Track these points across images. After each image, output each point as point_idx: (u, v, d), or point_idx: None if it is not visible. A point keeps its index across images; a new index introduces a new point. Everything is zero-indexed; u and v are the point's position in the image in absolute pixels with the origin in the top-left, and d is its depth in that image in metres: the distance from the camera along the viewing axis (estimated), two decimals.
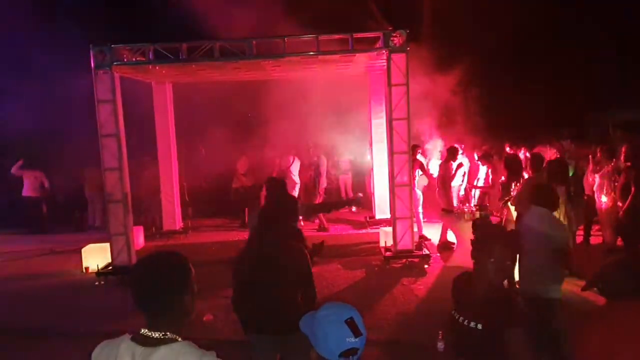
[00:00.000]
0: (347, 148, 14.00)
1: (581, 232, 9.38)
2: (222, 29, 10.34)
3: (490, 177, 11.02)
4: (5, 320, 7.39)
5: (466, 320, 2.82)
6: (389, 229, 9.41)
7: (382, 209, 11.97)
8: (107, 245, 9.10)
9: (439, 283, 8.01)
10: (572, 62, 16.13)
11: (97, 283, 8.78)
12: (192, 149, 14.41)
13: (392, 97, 8.85)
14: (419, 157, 10.86)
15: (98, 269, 8.99)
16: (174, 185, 12.26)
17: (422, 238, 10.19)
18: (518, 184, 7.98)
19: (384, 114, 11.31)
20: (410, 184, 9.16)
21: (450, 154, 10.62)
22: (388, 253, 9.24)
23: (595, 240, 9.65)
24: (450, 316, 2.95)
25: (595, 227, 9.80)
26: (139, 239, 10.63)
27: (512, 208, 8.09)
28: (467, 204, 11.06)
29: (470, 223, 3.33)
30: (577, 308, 6.78)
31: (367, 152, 13.23)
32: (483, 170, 11.36)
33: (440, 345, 5.33)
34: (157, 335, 1.96)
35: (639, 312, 2.79)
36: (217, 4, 11.07)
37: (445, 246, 10.02)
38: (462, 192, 11.61)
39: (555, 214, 7.87)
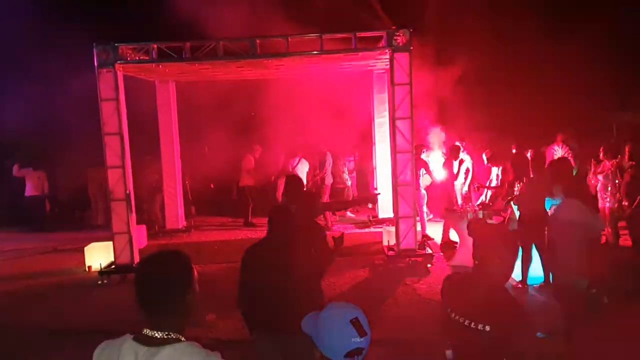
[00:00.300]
0: (351, 147, 13.97)
1: None
2: (225, 28, 10.33)
3: (500, 177, 10.99)
4: (7, 318, 7.40)
5: (467, 321, 2.80)
6: (392, 228, 9.40)
7: (385, 209, 11.96)
8: (110, 243, 9.10)
9: (442, 283, 7.99)
10: (577, 62, 16.07)
11: (99, 282, 8.79)
12: (195, 148, 14.41)
13: (395, 96, 8.84)
14: (423, 156, 10.85)
15: (101, 268, 9.00)
16: (177, 183, 12.27)
17: (425, 237, 10.18)
18: (521, 184, 7.97)
19: (386, 113, 11.30)
20: (414, 184, 9.15)
21: (451, 153, 10.61)
22: (391, 252, 9.23)
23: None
24: (446, 315, 2.92)
25: None
26: (142, 237, 10.64)
27: (515, 208, 8.10)
28: (470, 203, 11.05)
29: None
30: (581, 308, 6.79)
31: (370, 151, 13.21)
32: (494, 171, 11.31)
33: (449, 353, 5.31)
34: (160, 335, 1.95)
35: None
36: (220, 3, 11.07)
37: (447, 245, 10.00)
38: (465, 190, 11.58)
39: None
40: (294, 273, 3.91)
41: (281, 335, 3.92)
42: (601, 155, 9.16)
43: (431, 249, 9.26)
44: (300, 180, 6.26)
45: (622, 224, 9.19)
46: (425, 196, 10.81)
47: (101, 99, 8.81)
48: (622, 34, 15.88)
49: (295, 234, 4.14)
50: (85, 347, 2.24)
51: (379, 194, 12.11)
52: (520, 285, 7.48)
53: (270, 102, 12.63)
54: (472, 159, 11.66)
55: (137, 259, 8.94)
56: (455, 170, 10.91)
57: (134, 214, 9.26)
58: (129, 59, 9.06)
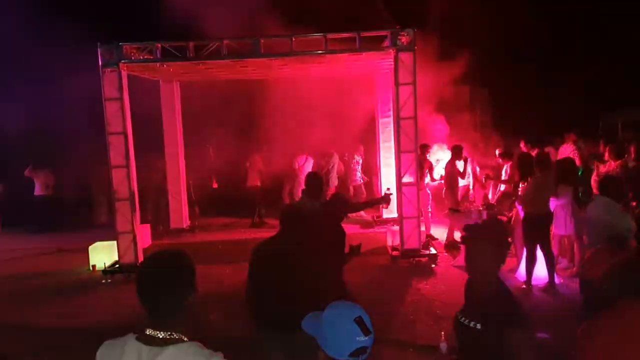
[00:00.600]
0: (356, 147, 13.93)
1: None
2: (229, 28, 10.34)
3: (509, 172, 10.94)
4: (11, 318, 7.42)
5: (467, 320, 2.81)
6: (396, 228, 9.38)
7: (389, 209, 11.93)
8: (114, 243, 9.12)
9: (446, 283, 7.98)
10: (582, 62, 16.05)
11: (103, 281, 8.80)
12: (199, 148, 14.42)
13: (400, 96, 8.82)
14: (430, 156, 10.84)
15: (105, 267, 9.01)
16: (181, 183, 12.28)
17: (430, 237, 10.16)
18: (525, 184, 7.94)
19: (391, 113, 11.29)
20: (418, 184, 9.13)
21: (454, 153, 10.58)
22: (395, 252, 9.21)
23: None
24: (455, 317, 2.93)
25: None
26: (146, 237, 10.65)
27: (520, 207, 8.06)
28: (474, 203, 11.02)
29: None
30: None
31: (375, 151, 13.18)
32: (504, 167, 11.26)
33: (443, 345, 5.29)
34: (163, 335, 1.94)
35: None
36: (223, 3, 11.08)
37: (452, 246, 9.97)
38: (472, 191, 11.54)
39: (563, 213, 7.88)
40: (306, 271, 3.93)
41: (289, 333, 3.91)
42: (607, 155, 9.12)
43: (435, 249, 9.24)
44: (321, 178, 6.30)
45: None
46: (430, 196, 10.78)
47: (105, 99, 8.83)
48: (627, 32, 15.85)
49: (308, 233, 4.18)
50: (89, 346, 2.23)
51: (391, 194, 12.14)
52: (525, 286, 7.45)
53: (274, 102, 12.62)
54: (472, 158, 11.62)
55: (141, 259, 8.94)
56: (461, 170, 10.88)
57: (138, 214, 9.27)
58: (133, 58, 9.07)
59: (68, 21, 12.95)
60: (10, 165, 14.04)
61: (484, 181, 11.57)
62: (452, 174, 10.58)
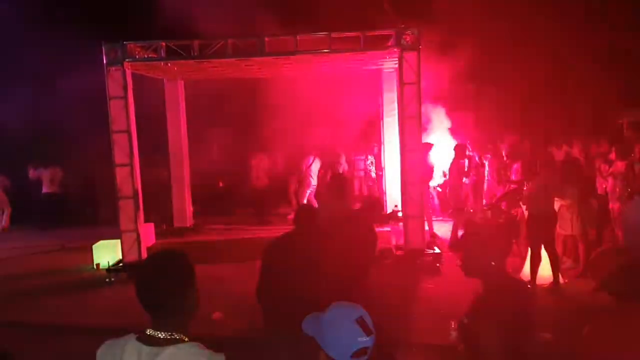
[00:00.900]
0: (370, 148, 13.91)
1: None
2: (233, 27, 10.34)
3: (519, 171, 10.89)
4: (14, 316, 7.44)
5: (466, 318, 2.84)
6: (401, 227, 9.35)
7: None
8: (118, 241, 9.13)
9: (450, 282, 7.95)
10: (588, 62, 15.97)
11: (107, 280, 8.81)
12: (203, 146, 14.43)
13: (404, 95, 8.80)
14: (432, 155, 10.82)
15: (108, 266, 9.02)
16: (185, 182, 12.26)
17: (433, 236, 10.14)
18: (530, 184, 7.91)
19: (395, 112, 11.26)
20: (422, 183, 9.11)
21: (458, 152, 10.54)
22: (399, 252, 9.18)
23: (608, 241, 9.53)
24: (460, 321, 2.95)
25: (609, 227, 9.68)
26: (150, 235, 10.65)
27: (524, 207, 8.03)
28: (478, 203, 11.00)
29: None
30: (589, 309, 6.73)
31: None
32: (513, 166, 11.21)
33: (453, 333, 5.28)
34: (163, 335, 1.94)
35: None
36: (228, 2, 11.08)
37: (456, 245, 9.94)
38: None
39: (568, 214, 7.85)
40: (319, 269, 3.96)
41: (294, 331, 3.90)
42: (613, 155, 9.06)
43: (439, 249, 9.21)
44: (345, 179, 6.34)
45: None
46: (435, 196, 10.77)
47: (109, 97, 8.84)
48: (633, 30, 15.75)
49: (329, 232, 4.36)
50: (92, 345, 2.23)
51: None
52: (529, 286, 7.41)
53: (279, 100, 12.62)
54: (480, 155, 11.58)
55: (144, 257, 8.95)
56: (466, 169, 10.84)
57: (141, 212, 9.28)
58: (137, 57, 9.08)
59: (73, 19, 12.99)
60: (17, 163, 14.09)
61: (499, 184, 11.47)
62: (456, 173, 10.54)
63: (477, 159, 11.27)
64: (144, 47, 9.16)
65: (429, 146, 10.56)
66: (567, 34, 15.50)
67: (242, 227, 12.51)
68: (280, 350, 4.06)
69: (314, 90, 12.44)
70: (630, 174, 8.52)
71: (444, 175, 11.02)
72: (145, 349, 1.91)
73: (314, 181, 12.15)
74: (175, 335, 1.94)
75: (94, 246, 9.61)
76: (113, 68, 8.81)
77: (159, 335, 1.93)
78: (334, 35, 8.87)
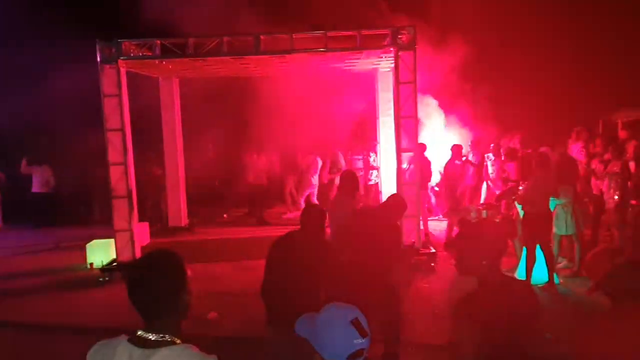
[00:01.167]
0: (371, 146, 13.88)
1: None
2: (229, 25, 10.30)
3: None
4: (8, 316, 7.38)
5: None
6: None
7: None
8: (112, 241, 9.07)
9: (445, 281, 7.94)
10: (581, 62, 16.01)
11: (101, 279, 8.76)
12: (199, 145, 14.38)
13: (400, 95, 8.78)
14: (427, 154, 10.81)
15: (102, 265, 8.97)
16: (179, 181, 12.21)
17: (427, 236, 10.14)
18: (525, 183, 7.90)
19: (391, 112, 11.23)
20: (418, 182, 9.09)
21: (454, 153, 10.54)
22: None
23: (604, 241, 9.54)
24: None
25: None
26: (144, 235, 10.61)
27: (520, 207, 8.03)
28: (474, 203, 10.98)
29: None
30: (584, 310, 6.74)
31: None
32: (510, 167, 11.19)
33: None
34: (155, 337, 1.90)
35: None
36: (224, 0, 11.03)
37: (450, 244, 9.93)
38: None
39: (563, 213, 7.86)
40: (315, 267, 3.99)
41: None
42: (608, 155, 9.07)
43: (435, 248, 9.20)
44: (356, 176, 6.37)
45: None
46: (433, 196, 10.77)
47: (103, 95, 8.78)
48: (625, 30, 15.81)
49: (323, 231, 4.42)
50: (83, 346, 2.20)
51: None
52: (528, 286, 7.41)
53: (274, 99, 12.57)
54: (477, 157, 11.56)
55: (138, 257, 8.90)
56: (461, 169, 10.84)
57: (135, 212, 9.23)
58: (132, 55, 9.03)
59: (67, 17, 12.91)
60: (9, 161, 14.00)
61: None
62: (451, 173, 10.54)
63: (471, 158, 11.25)
64: (138, 45, 9.11)
65: (423, 146, 10.54)
66: (562, 34, 15.53)
67: (237, 226, 12.50)
68: (281, 349, 4.03)
69: (309, 90, 12.41)
70: (626, 173, 8.51)
71: (440, 175, 11.02)
72: (137, 351, 1.88)
73: (314, 181, 12.12)
74: (167, 337, 1.91)
75: (87, 245, 9.55)
76: (107, 66, 8.75)
77: (151, 337, 1.90)
78: (330, 34, 8.84)
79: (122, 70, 8.91)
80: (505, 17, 14.42)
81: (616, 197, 8.50)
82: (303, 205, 11.90)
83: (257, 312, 4.51)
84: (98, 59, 8.74)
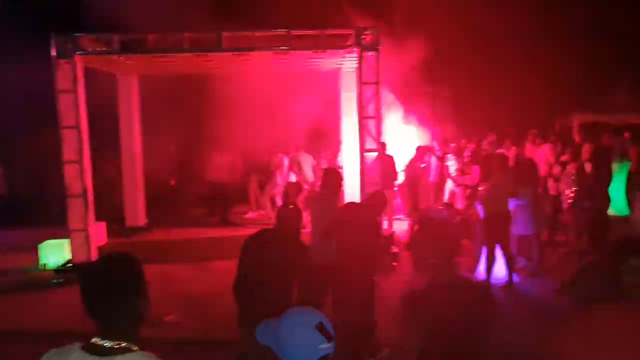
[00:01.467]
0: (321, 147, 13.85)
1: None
2: (189, 22, 10.13)
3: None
4: None
5: None
6: None
7: None
8: (67, 241, 8.80)
9: (406, 281, 7.96)
10: (539, 66, 16.41)
11: (54, 281, 8.46)
12: (158, 143, 14.09)
13: (363, 95, 8.78)
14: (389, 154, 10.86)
15: (57, 266, 8.68)
16: (137, 179, 11.92)
17: (390, 235, 10.18)
18: (485, 184, 8.02)
19: (354, 112, 11.24)
20: (381, 183, 9.10)
21: (418, 154, 10.63)
22: None
23: (559, 241, 9.77)
24: None
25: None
26: (101, 234, 10.31)
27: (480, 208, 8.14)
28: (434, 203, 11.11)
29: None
30: (544, 310, 6.87)
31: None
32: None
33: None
34: (110, 344, 1.80)
35: (612, 317, 2.78)
36: None
37: (410, 242, 9.99)
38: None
39: (522, 214, 7.99)
40: (286, 268, 3.97)
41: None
42: (566, 156, 9.30)
43: (396, 247, 9.23)
44: (339, 173, 6.35)
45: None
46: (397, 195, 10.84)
47: (58, 91, 8.50)
48: (583, 35, 16.29)
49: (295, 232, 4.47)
50: (33, 353, 2.08)
51: None
52: (484, 285, 7.51)
53: (236, 98, 12.41)
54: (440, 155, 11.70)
55: (94, 257, 8.66)
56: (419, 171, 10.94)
57: (91, 211, 8.96)
58: (89, 50, 8.77)
59: (18, 12, 12.47)
60: None
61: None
62: (412, 174, 10.63)
63: (436, 157, 11.38)
64: (96, 40, 8.85)
65: (383, 145, 10.59)
66: (520, 38, 15.89)
67: (198, 226, 12.28)
68: (250, 350, 3.96)
69: (271, 89, 12.31)
70: (581, 175, 8.74)
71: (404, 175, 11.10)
72: (91, 359, 1.78)
73: (279, 180, 12.04)
74: (124, 344, 1.81)
75: (40, 246, 9.21)
76: (63, 61, 8.46)
77: (106, 344, 1.80)
78: (293, 32, 8.78)
79: (79, 66, 8.63)
80: (466, 20, 14.68)
81: (570, 200, 8.74)
82: (268, 204, 11.85)
83: (218, 314, 4.43)
84: (53, 54, 8.45)
